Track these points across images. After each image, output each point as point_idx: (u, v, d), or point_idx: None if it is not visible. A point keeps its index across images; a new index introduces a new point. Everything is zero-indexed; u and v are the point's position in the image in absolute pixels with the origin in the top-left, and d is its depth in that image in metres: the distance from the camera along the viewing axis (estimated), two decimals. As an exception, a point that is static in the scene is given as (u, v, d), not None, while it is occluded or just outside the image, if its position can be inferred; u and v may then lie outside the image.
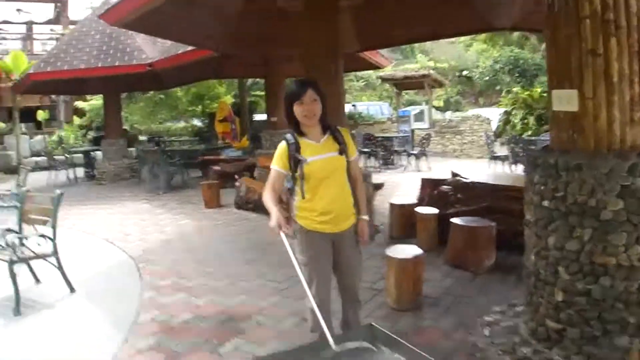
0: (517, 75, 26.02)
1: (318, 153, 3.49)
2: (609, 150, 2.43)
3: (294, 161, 3.46)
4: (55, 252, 5.74)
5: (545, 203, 2.52)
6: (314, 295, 3.46)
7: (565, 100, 2.53)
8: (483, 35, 21.28)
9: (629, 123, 2.45)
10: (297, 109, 3.42)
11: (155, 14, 6.84)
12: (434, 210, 7.17)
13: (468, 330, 3.64)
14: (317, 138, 3.55)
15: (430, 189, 8.00)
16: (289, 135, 3.54)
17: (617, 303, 2.38)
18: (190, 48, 11.42)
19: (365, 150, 16.41)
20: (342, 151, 3.53)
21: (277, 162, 3.53)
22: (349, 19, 8.28)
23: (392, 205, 7.83)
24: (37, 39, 28.58)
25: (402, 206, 7.74)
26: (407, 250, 5.35)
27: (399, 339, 2.67)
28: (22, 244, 5.62)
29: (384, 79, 22.53)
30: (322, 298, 3.53)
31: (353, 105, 25.57)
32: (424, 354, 2.48)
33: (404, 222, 7.57)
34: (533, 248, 2.66)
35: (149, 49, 14.24)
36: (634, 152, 2.39)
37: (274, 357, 2.62)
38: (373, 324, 2.76)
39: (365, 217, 3.77)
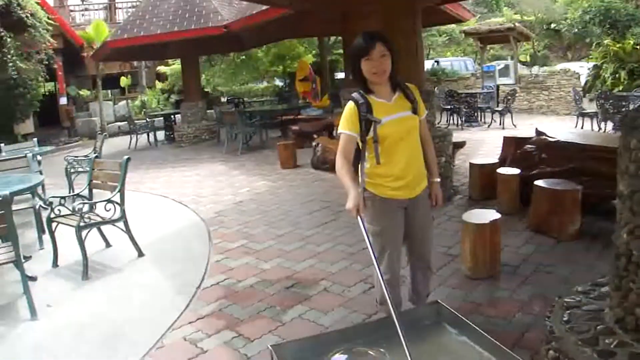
0: (608, 26, 24.37)
1: (391, 112, 3.20)
2: None
3: (366, 123, 3.18)
4: (123, 217, 5.76)
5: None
6: (386, 268, 3.33)
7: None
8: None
9: None
10: (365, 65, 3.11)
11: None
12: (516, 171, 6.77)
13: (546, 306, 3.32)
14: (388, 96, 3.26)
15: (513, 148, 7.57)
16: (356, 95, 3.24)
17: None
18: (265, 7, 11.21)
19: (448, 107, 15.88)
20: (415, 110, 3.27)
21: (347, 125, 3.22)
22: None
23: (472, 165, 7.50)
24: (119, 8, 29.15)
25: (482, 166, 7.40)
26: (485, 215, 5.04)
27: (466, 319, 2.44)
28: (90, 210, 5.67)
29: (468, 33, 21.61)
30: (394, 269, 3.37)
31: (436, 62, 24.82)
32: (490, 338, 2.25)
33: (485, 183, 7.24)
34: (625, 225, 2.29)
35: (225, 11, 14.22)
36: None
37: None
38: (439, 301, 2.56)
39: (437, 180, 3.52)
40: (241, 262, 5.47)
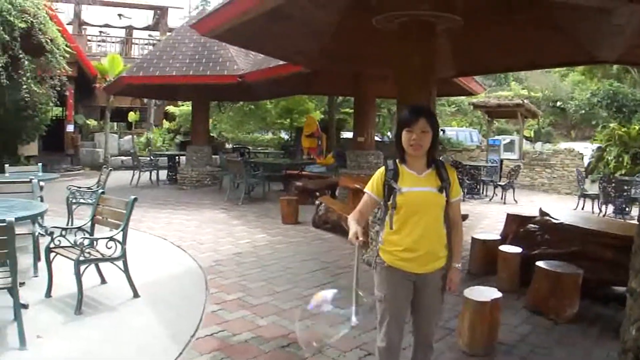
0: (614, 110, 24.84)
1: (416, 185, 3.30)
2: None
3: (388, 188, 3.31)
4: (123, 256, 5.75)
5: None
6: (383, 335, 3.39)
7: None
8: (581, 67, 20.45)
9: None
10: (405, 136, 3.25)
11: (247, 26, 6.82)
12: (518, 250, 6.81)
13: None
14: (420, 169, 3.36)
15: (516, 226, 7.60)
16: (389, 162, 3.38)
17: None
18: (281, 62, 11.43)
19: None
20: (443, 189, 3.32)
21: (371, 187, 3.41)
22: (446, 43, 8.03)
23: (474, 239, 7.55)
24: (136, 44, 29.71)
25: (484, 242, 7.46)
26: (486, 293, 5.09)
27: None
28: (91, 245, 5.66)
29: (476, 106, 21.95)
30: (391, 339, 3.39)
31: (442, 130, 25.06)
32: None
33: (485, 259, 7.29)
34: (635, 322, 2.30)
35: (241, 61, 14.45)
36: None
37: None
38: None
39: (458, 266, 3.54)
40: (237, 315, 5.41)
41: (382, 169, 3.39)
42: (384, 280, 3.39)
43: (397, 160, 3.37)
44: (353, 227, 3.23)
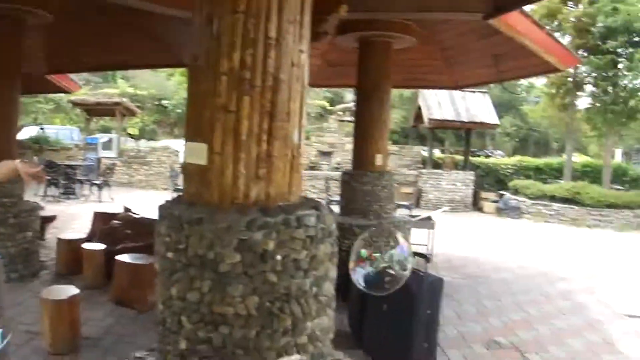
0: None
1: None
2: (232, 204, 2.55)
3: None
4: None
5: (170, 254, 2.56)
6: None
7: (196, 153, 2.61)
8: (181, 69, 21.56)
9: (253, 179, 2.60)
10: None
11: None
12: (101, 246, 6.97)
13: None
14: None
15: (102, 223, 7.77)
16: None
17: (237, 349, 2.50)
18: None
19: (47, 178, 15.28)
20: None
21: None
22: (37, 38, 7.71)
23: (59, 240, 7.45)
24: None
25: (70, 241, 7.40)
26: (64, 291, 5.10)
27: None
28: None
29: (75, 104, 21.40)
30: None
31: (41, 128, 23.68)
32: None
33: (71, 258, 7.22)
34: (160, 297, 2.67)
35: None
36: (254, 208, 2.55)
37: None
38: None
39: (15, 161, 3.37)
40: None
41: None
42: None
43: None
44: None
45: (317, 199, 3.01)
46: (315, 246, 2.61)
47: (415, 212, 11.96)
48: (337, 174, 16.26)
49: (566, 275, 9.20)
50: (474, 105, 18.80)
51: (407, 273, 2.44)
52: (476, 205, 18.73)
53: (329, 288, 2.76)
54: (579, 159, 22.89)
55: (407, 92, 29.41)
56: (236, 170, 2.58)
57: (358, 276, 2.34)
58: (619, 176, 19.05)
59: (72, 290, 5.13)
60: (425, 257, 5.92)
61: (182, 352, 2.56)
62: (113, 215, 7.86)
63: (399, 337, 4.74)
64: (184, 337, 2.55)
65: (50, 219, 9.14)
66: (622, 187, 18.37)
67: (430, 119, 18.33)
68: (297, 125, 2.78)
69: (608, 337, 6.22)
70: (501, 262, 10.08)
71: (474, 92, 19.11)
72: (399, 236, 2.44)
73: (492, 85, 25.74)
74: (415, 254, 6.59)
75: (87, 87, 27.39)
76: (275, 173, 2.66)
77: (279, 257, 2.49)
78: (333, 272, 2.81)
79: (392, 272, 2.38)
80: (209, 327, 2.49)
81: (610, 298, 7.79)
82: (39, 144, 20.67)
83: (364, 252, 2.46)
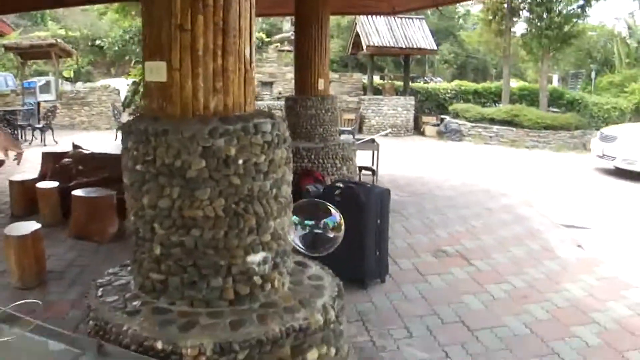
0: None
1: None
2: (194, 116, 2.74)
3: None
4: None
5: (138, 167, 2.73)
6: None
7: (156, 72, 2.76)
8: (116, 5, 20.86)
9: (211, 91, 2.78)
10: None
11: None
12: (55, 184, 7.04)
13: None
14: None
15: (52, 163, 7.80)
16: None
17: (208, 250, 2.72)
18: None
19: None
20: None
21: None
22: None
23: (11, 182, 7.46)
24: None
25: (22, 182, 7.44)
26: (26, 227, 5.24)
27: (14, 312, 2.63)
28: None
29: (8, 48, 20.62)
30: None
31: (-33, 79, 22.77)
32: (39, 322, 2.49)
33: (26, 199, 7.29)
34: (131, 209, 2.86)
35: None
36: (215, 117, 2.74)
37: None
38: None
39: None
40: None
41: None
42: None
43: None
44: None
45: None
46: (272, 151, 2.83)
47: (358, 137, 12.26)
48: (280, 103, 16.42)
49: (507, 191, 9.71)
50: (411, 32, 18.97)
51: (341, 234, 2.69)
52: (418, 129, 19.18)
53: (287, 190, 3.00)
54: (516, 84, 23.46)
55: (344, 21, 29.40)
56: (195, 85, 2.75)
57: (295, 238, 2.56)
58: (555, 100, 19.64)
59: (33, 225, 5.27)
60: (372, 170, 6.27)
61: (157, 257, 2.78)
62: (63, 155, 7.88)
63: (352, 246, 5.04)
64: (158, 242, 2.75)
65: (-1, 163, 9.05)
66: (558, 110, 19.00)
67: (368, 46, 18.42)
68: (248, 41, 2.94)
69: (547, 245, 6.71)
70: (444, 181, 10.54)
71: (411, 18, 19.25)
72: (331, 207, 2.69)
73: (429, 12, 25.95)
74: (362, 167, 6.95)
75: (16, 32, 26.29)
76: (231, 85, 2.84)
77: (240, 162, 2.71)
78: (289, 176, 3.04)
79: (329, 235, 2.62)
80: (180, 231, 2.70)
81: (548, 210, 8.32)
82: (-27, 94, 19.99)
83: (296, 218, 2.68)
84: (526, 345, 4.21)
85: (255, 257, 2.81)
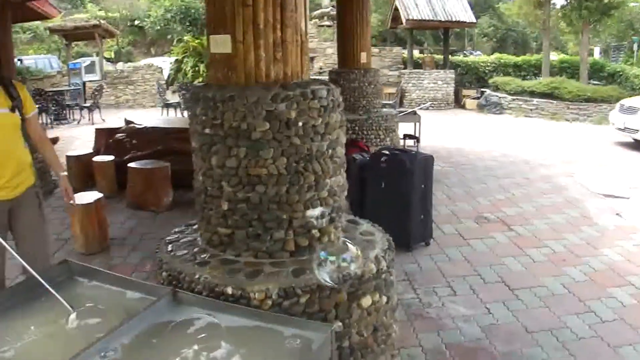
0: (188, 24, 26.62)
1: None
2: (257, 83, 2.99)
3: None
4: None
5: (207, 130, 2.99)
6: None
7: (221, 44, 3.01)
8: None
9: (272, 61, 3.03)
10: None
11: None
12: (110, 158, 7.37)
13: (155, 265, 4.01)
14: None
15: (106, 139, 8.15)
16: None
17: (271, 205, 2.98)
18: None
19: (37, 106, 15.40)
20: (16, 107, 3.23)
21: None
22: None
23: (68, 157, 7.81)
24: None
25: (78, 157, 7.79)
26: (88, 196, 5.58)
27: (95, 267, 2.96)
28: None
29: (53, 30, 21.16)
30: None
31: (19, 60, 23.44)
32: (115, 273, 2.82)
33: (83, 173, 7.67)
34: (200, 170, 3.13)
35: None
36: (276, 84, 2.99)
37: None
38: (68, 259, 2.93)
39: (64, 174, 3.66)
40: None
41: None
42: None
43: None
44: None
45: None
46: (328, 114, 3.07)
47: (399, 110, 12.39)
48: (321, 78, 16.56)
49: (546, 162, 9.80)
50: (450, 5, 18.90)
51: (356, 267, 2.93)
52: (458, 102, 19.24)
53: (341, 151, 3.24)
54: (557, 57, 23.18)
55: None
56: (257, 55, 3.00)
57: (323, 274, 2.78)
58: (596, 72, 19.37)
59: (96, 195, 5.62)
60: (416, 138, 6.47)
61: (224, 213, 3.04)
62: (115, 130, 8.22)
63: (398, 210, 5.30)
64: (226, 199, 3.02)
65: (54, 140, 9.46)
66: (599, 83, 18.75)
67: (407, 20, 18.43)
68: (303, 15, 3.18)
69: (586, 213, 6.84)
70: (485, 152, 10.67)
71: (449, -9, 19.17)
72: (349, 244, 2.96)
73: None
74: (406, 135, 7.16)
75: (58, 16, 26.88)
76: (290, 56, 3.08)
77: (300, 124, 2.96)
78: (343, 138, 3.28)
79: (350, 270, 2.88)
80: (246, 188, 2.96)
81: (587, 181, 8.40)
82: (21, 75, 20.55)
83: (323, 254, 2.91)
84: (564, 304, 4.42)
85: (314, 212, 3.07)
